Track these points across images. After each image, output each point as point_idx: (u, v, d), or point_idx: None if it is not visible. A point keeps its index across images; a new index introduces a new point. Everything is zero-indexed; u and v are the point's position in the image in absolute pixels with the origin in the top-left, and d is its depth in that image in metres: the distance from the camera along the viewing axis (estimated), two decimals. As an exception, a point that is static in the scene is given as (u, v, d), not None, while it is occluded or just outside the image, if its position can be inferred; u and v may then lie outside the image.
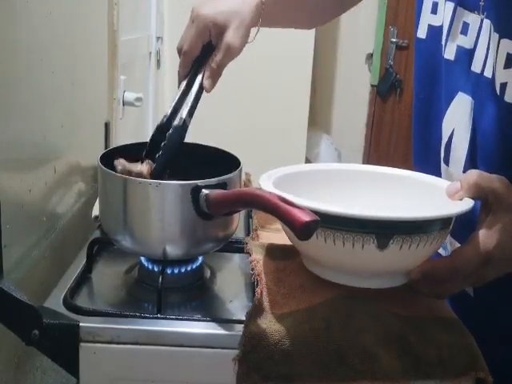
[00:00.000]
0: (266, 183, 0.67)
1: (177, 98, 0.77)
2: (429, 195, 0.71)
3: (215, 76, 0.76)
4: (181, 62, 0.77)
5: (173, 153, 0.72)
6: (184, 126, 0.73)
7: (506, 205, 0.61)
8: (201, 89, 0.76)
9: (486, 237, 0.61)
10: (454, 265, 0.62)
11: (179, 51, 0.77)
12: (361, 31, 2.91)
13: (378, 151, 3.09)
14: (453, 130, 0.76)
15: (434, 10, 0.79)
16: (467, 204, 0.63)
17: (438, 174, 0.79)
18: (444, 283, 0.63)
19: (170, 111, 0.76)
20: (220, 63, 0.75)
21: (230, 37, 0.74)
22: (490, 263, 0.61)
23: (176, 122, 0.73)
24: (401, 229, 0.60)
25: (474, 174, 0.64)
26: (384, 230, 0.60)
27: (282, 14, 0.87)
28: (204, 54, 0.77)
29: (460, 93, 0.74)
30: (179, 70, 0.78)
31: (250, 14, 0.76)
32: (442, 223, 0.62)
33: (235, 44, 0.75)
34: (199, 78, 0.76)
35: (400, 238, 0.60)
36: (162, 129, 0.74)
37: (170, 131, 0.72)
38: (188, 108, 0.74)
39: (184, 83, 0.77)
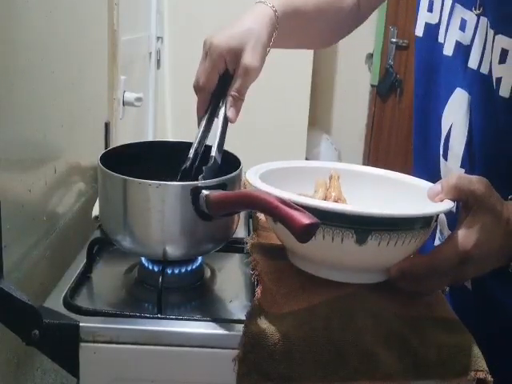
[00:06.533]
0: (253, 178, 0.68)
1: (199, 136, 0.74)
2: (414, 197, 0.71)
3: (238, 104, 0.73)
4: (198, 98, 0.74)
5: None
6: (215, 165, 0.70)
7: (485, 205, 0.62)
8: (226, 121, 0.72)
9: (464, 236, 0.62)
10: (432, 263, 0.63)
11: (196, 88, 0.74)
12: (361, 31, 2.88)
13: (377, 151, 3.09)
14: (451, 126, 0.77)
15: (430, 9, 0.80)
16: (447, 205, 0.64)
17: (437, 169, 0.80)
18: (422, 281, 0.64)
19: (192, 153, 0.73)
20: (240, 89, 0.72)
21: (248, 58, 0.71)
22: (469, 262, 0.62)
23: (209, 164, 0.70)
24: (379, 225, 0.61)
25: (453, 177, 0.65)
26: (362, 226, 0.61)
27: (294, 31, 0.83)
28: (221, 86, 0.73)
29: (458, 88, 0.75)
30: (198, 106, 0.74)
31: (265, 31, 0.73)
32: (422, 222, 0.63)
33: (254, 64, 0.71)
34: (222, 110, 0.72)
35: (378, 234, 0.61)
36: (185, 173, 0.72)
37: (203, 174, 0.68)
38: (216, 144, 0.71)
39: (204, 120, 0.74)
